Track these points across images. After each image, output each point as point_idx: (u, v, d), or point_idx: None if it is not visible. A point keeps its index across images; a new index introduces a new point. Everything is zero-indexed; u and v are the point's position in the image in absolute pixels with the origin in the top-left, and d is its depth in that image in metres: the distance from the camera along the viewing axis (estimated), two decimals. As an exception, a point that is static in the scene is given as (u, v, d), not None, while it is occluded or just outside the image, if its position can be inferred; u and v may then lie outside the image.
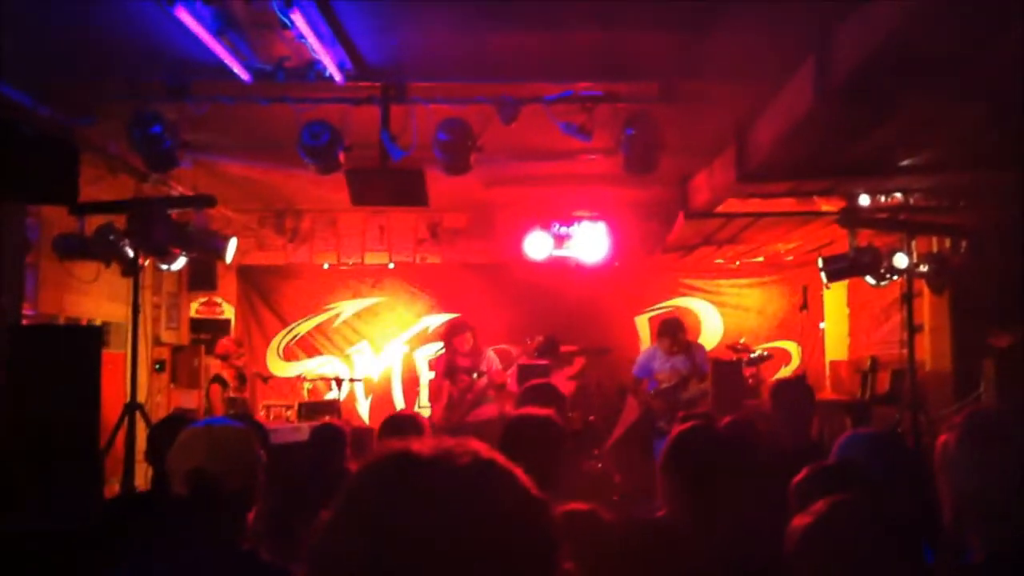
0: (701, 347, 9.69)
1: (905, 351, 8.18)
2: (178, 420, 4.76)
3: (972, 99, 5.52)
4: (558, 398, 5.17)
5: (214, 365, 10.52)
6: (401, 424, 5.23)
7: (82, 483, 6.99)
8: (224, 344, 10.50)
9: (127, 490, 7.13)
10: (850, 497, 2.16)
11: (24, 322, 7.56)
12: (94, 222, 7.65)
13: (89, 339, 8.46)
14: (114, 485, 7.66)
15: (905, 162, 7.01)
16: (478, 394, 9.06)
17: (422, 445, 1.23)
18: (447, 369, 9.16)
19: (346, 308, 12.31)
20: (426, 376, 11.63)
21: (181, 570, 2.69)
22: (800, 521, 2.11)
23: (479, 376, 9.02)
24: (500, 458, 1.24)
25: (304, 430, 9.44)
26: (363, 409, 12.06)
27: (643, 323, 12.19)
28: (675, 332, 9.14)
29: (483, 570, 1.14)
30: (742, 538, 2.99)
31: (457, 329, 9.24)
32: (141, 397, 8.39)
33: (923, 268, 8.36)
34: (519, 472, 1.25)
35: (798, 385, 5.93)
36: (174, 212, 7.86)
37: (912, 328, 8.15)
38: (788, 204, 8.53)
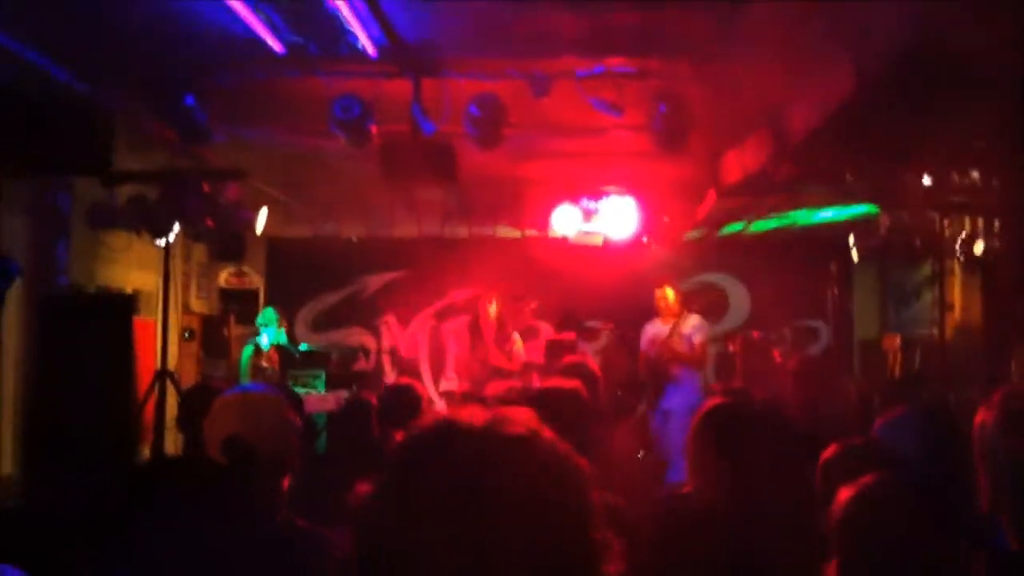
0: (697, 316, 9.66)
1: (935, 330, 8.15)
2: (210, 387, 4.82)
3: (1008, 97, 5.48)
4: (590, 375, 5.18)
5: (244, 333, 10.60)
6: (399, 395, 5.27)
7: (117, 448, 7.11)
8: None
9: (158, 456, 7.22)
10: (895, 473, 2.16)
11: (57, 292, 7.65)
12: (125, 192, 7.73)
13: (121, 306, 8.59)
14: (144, 451, 7.75)
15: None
16: (496, 369, 9.09)
17: (469, 415, 1.24)
18: (472, 343, 9.22)
19: (374, 280, 12.36)
20: (452, 349, 11.67)
21: (217, 536, 2.67)
22: (841, 498, 2.11)
23: (500, 347, 9.07)
24: (543, 428, 1.25)
25: (331, 400, 9.54)
26: (391, 381, 12.12)
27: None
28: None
29: (524, 537, 1.15)
30: (770, 515, 3.00)
31: (482, 300, 9.31)
32: (171, 365, 8.50)
33: (956, 248, 8.29)
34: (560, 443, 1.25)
35: (821, 364, 5.89)
36: (205, 184, 7.92)
37: (943, 307, 8.10)
38: (819, 183, 8.48)
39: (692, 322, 9.15)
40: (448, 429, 1.24)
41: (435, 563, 1.14)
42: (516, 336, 9.30)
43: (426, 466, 1.20)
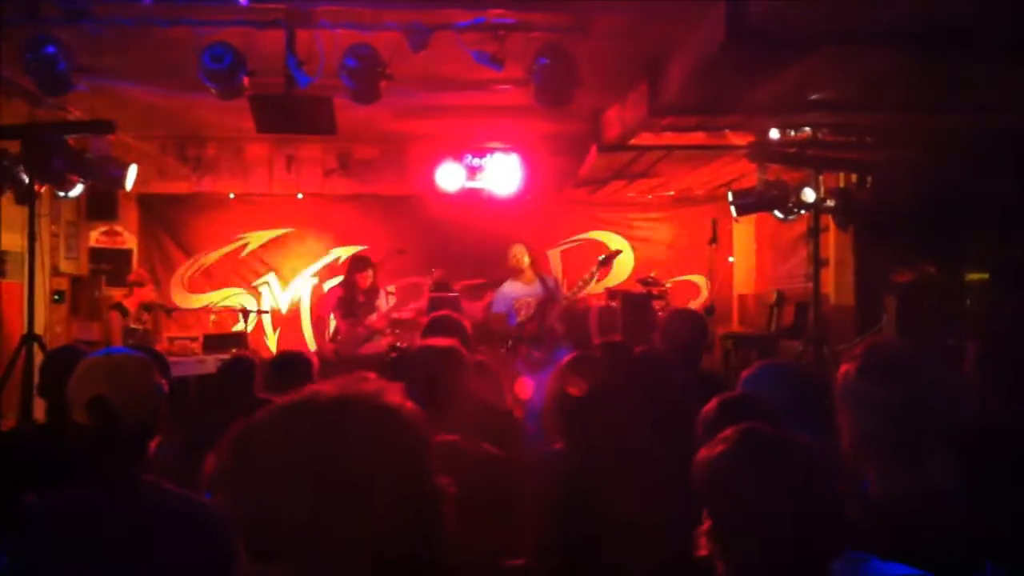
0: (553, 276, 9.73)
1: (810, 285, 8.34)
2: (72, 350, 4.62)
3: (882, 45, 5.59)
4: (460, 329, 5.18)
5: (115, 294, 10.28)
6: (290, 361, 5.24)
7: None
8: (139, 272, 10.30)
9: (24, 422, 6.95)
10: (759, 425, 2.17)
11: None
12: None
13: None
14: (11, 418, 7.46)
15: (814, 97, 7.05)
16: (369, 329, 9.00)
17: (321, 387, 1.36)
18: (340, 304, 9.08)
19: (253, 239, 12.09)
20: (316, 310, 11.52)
21: (82, 499, 2.64)
22: (710, 450, 2.11)
23: (372, 313, 8.98)
24: (384, 393, 1.36)
25: (209, 363, 9.32)
26: (271, 342, 11.93)
27: (555, 256, 12.24)
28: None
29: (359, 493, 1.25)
30: (634, 468, 3.01)
31: (359, 265, 9.11)
32: (39, 329, 8.16)
33: (829, 203, 8.47)
34: (401, 405, 1.36)
35: (690, 317, 5.95)
36: (71, 138, 7.58)
37: (818, 262, 8.29)
38: (699, 138, 8.57)
39: (553, 281, 9.21)
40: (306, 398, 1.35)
41: (285, 525, 1.24)
42: (383, 292, 9.21)
43: (263, 435, 1.31)
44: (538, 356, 8.78)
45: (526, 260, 9.13)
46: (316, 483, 1.24)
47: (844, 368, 2.42)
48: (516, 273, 9.17)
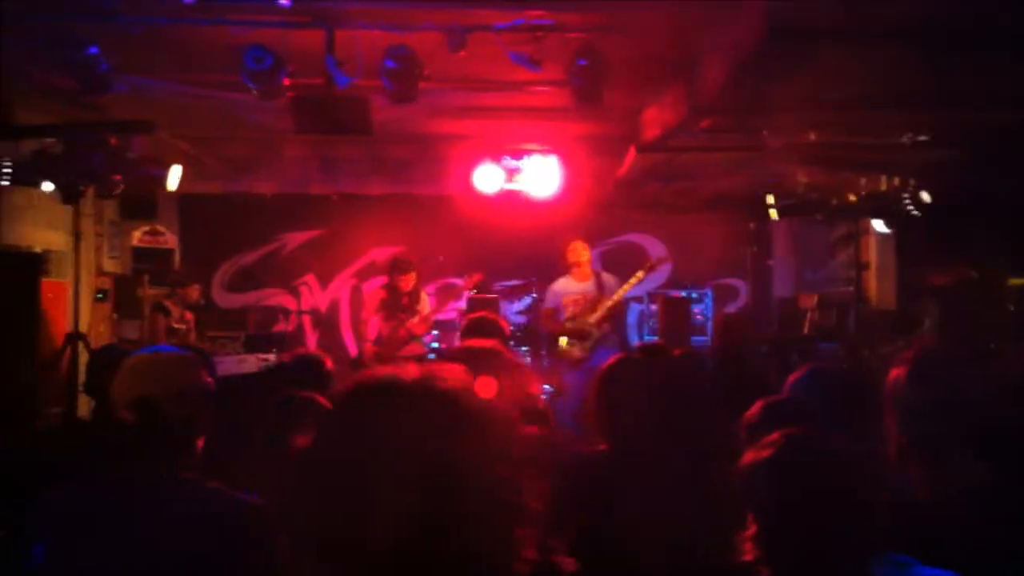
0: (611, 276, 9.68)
1: (850, 288, 8.28)
2: (118, 349, 4.67)
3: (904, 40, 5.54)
4: (499, 331, 5.17)
5: (158, 294, 10.37)
6: (306, 363, 5.16)
7: (21, 413, 6.91)
8: (183, 272, 10.40)
9: (70, 419, 7.04)
10: (803, 431, 2.15)
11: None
12: (28, 147, 7.45)
13: (28, 266, 8.33)
14: (56, 415, 7.55)
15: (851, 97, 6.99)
16: (410, 332, 8.99)
17: (406, 370, 1.30)
18: (383, 305, 9.07)
19: (292, 240, 12.17)
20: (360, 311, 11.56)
21: (127, 497, 2.65)
22: (754, 455, 2.10)
23: (411, 315, 8.96)
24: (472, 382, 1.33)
25: (251, 362, 9.38)
26: (310, 342, 11.99)
27: (594, 258, 12.20)
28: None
29: (458, 483, 1.20)
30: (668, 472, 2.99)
31: (402, 267, 9.09)
32: (83, 327, 8.28)
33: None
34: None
35: (742, 320, 5.95)
36: (112, 138, 7.66)
37: (859, 266, 8.23)
38: (738, 139, 8.52)
39: (610, 280, 9.13)
40: (386, 383, 1.29)
41: (375, 512, 1.19)
42: (425, 298, 9.21)
43: (363, 418, 1.26)
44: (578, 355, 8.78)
45: (585, 256, 9.10)
46: (419, 465, 1.20)
47: (894, 372, 2.40)
48: (573, 269, 9.14)
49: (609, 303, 8.81)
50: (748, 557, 2.05)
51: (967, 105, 6.85)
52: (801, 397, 3.25)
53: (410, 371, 1.30)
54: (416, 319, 8.95)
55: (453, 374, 1.31)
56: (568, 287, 9.13)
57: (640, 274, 9.11)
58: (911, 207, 8.51)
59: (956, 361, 2.44)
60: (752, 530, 2.06)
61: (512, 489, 1.25)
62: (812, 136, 8.14)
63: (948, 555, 2.00)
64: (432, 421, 1.23)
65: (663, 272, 12.21)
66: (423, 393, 1.27)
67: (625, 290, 8.88)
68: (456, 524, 1.19)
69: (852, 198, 8.03)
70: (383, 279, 9.56)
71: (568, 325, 8.92)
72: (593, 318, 8.80)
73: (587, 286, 9.01)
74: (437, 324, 9.39)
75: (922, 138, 7.88)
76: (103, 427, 3.66)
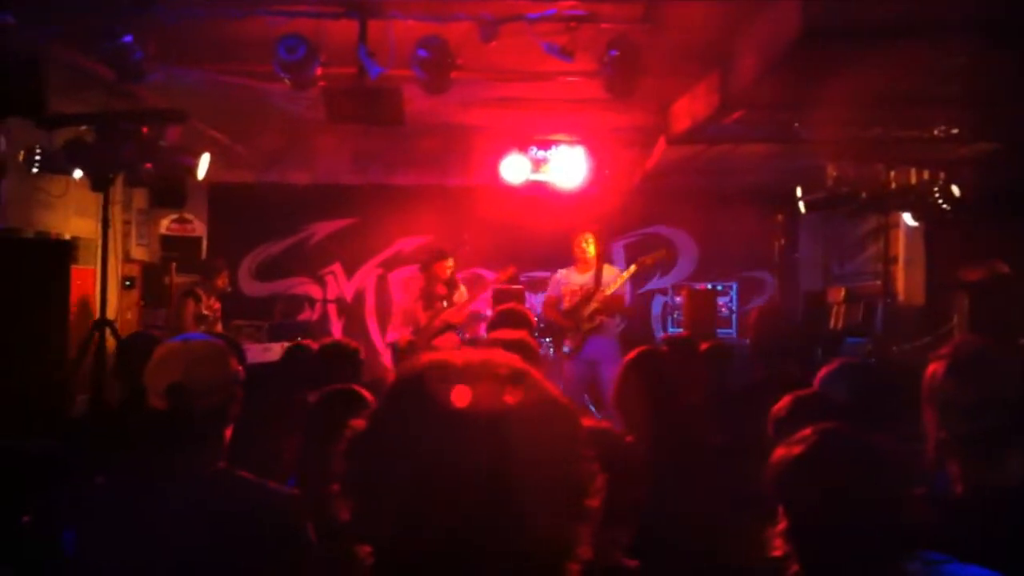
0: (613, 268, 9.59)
1: (878, 282, 8.22)
2: (147, 336, 4.69)
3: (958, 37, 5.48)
4: (527, 323, 5.17)
5: (187, 282, 10.42)
6: (338, 352, 5.11)
7: (49, 399, 6.96)
8: (214, 261, 10.40)
9: (98, 406, 7.08)
10: (837, 426, 2.14)
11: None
12: (62, 136, 7.50)
13: (58, 252, 8.40)
14: (83, 401, 7.61)
15: (887, 91, 6.94)
16: (445, 323, 8.99)
17: (458, 356, 1.27)
18: (422, 294, 9.07)
19: (319, 229, 12.22)
20: (399, 299, 11.57)
21: (159, 486, 2.65)
22: (785, 450, 2.09)
23: (449, 305, 8.96)
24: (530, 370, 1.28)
25: (275, 350, 9.41)
26: (336, 331, 12.04)
27: (618, 250, 12.18)
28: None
29: (526, 468, 1.17)
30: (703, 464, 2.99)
31: (438, 255, 9.09)
32: (111, 314, 8.33)
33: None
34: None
35: (777, 314, 5.91)
36: (144, 127, 7.69)
37: (888, 260, 8.18)
38: (769, 132, 8.47)
39: (610, 274, 9.07)
40: (444, 365, 1.26)
41: (431, 495, 1.16)
42: (462, 287, 9.20)
43: (423, 399, 1.22)
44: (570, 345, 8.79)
45: (591, 251, 9.06)
46: (481, 449, 1.17)
47: (932, 367, 2.38)
48: (578, 261, 9.12)
49: (601, 296, 8.80)
50: (778, 553, 2.04)
51: (1007, 101, 6.80)
52: (832, 392, 3.24)
53: (470, 357, 1.27)
54: (453, 308, 8.96)
55: (513, 362, 1.28)
56: (569, 278, 9.10)
57: (633, 268, 9.08)
58: (941, 201, 8.45)
59: (995, 356, 2.42)
60: (782, 525, 2.05)
61: (572, 486, 1.23)
62: (845, 130, 8.09)
63: (985, 552, 1.99)
64: (495, 411, 1.19)
65: (688, 263, 12.19)
66: (480, 374, 1.24)
67: (617, 284, 8.84)
68: (513, 522, 1.16)
69: (883, 192, 7.96)
70: (413, 268, 9.56)
71: (564, 316, 8.93)
72: (587, 311, 8.79)
73: (586, 279, 8.98)
74: (475, 316, 9.39)
75: (955, 131, 7.83)
76: (133, 414, 3.67)
